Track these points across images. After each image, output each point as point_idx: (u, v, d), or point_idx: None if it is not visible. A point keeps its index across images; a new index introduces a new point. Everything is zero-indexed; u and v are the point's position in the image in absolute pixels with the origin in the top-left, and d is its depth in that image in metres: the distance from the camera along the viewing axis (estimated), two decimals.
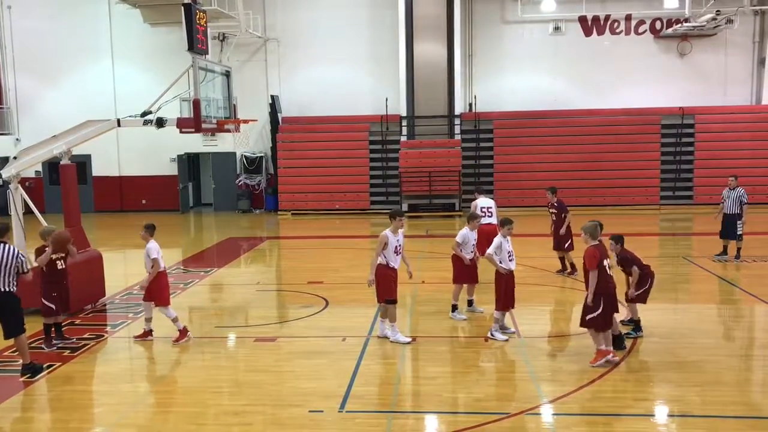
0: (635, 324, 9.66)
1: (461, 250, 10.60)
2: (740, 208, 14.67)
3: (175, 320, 10.00)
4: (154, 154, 26.60)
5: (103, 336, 10.54)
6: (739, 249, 14.85)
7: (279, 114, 26.21)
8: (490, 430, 6.95)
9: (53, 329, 10.01)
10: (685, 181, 24.77)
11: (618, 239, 9.49)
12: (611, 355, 8.59)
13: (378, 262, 9.62)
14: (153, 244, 10.01)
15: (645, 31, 25.74)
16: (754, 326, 11.23)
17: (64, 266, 10.05)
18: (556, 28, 25.92)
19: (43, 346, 9.81)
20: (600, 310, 8.42)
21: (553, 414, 7.38)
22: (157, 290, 9.98)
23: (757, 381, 8.55)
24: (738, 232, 14.71)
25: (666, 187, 24.72)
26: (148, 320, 10.15)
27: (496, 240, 9.70)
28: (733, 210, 14.74)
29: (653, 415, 7.40)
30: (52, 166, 23.83)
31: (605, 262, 8.53)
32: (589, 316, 8.49)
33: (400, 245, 9.70)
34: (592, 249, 8.52)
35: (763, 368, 8.95)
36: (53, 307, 9.84)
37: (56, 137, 12.04)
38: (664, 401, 7.71)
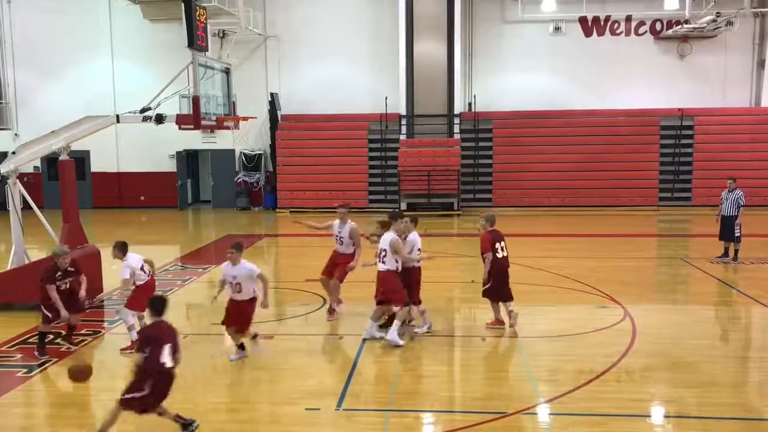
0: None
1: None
2: (737, 210, 14.70)
3: (130, 328, 9.62)
4: (152, 151, 26.58)
5: (100, 332, 10.54)
6: (736, 251, 14.87)
7: (278, 111, 26.20)
8: (487, 429, 6.96)
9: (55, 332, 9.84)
10: (683, 183, 24.78)
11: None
12: (503, 325, 10.13)
13: (389, 267, 9.58)
14: (128, 262, 9.57)
15: (645, 32, 25.75)
16: (751, 328, 11.26)
17: (67, 287, 9.50)
18: (557, 29, 25.91)
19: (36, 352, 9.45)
20: (491, 284, 10.02)
21: (550, 414, 7.39)
22: (138, 298, 9.56)
23: (753, 382, 8.57)
24: (736, 234, 14.74)
25: (664, 189, 24.73)
26: (131, 329, 9.63)
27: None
28: (730, 212, 14.77)
29: (649, 416, 7.41)
30: (50, 161, 23.85)
31: (498, 245, 9.98)
32: (483, 288, 10.11)
33: None
34: (486, 234, 10.04)
35: (759, 370, 8.96)
36: (49, 315, 9.44)
37: (55, 133, 12.02)
38: (661, 402, 7.73)
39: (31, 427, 7.33)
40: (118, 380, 8.52)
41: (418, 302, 10.04)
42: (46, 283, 9.29)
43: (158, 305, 6.90)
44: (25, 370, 8.84)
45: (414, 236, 9.97)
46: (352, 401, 7.71)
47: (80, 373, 7.33)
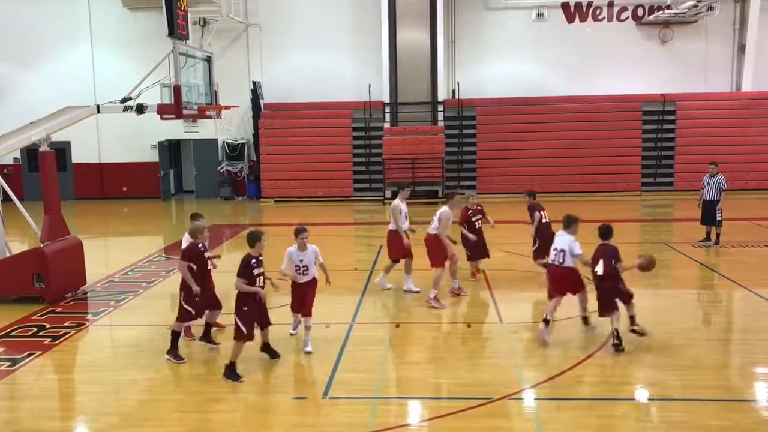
0: None
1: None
2: (719, 195, 14.84)
3: None
4: (134, 141, 26.34)
5: (84, 324, 10.46)
6: (718, 235, 15.02)
7: (261, 100, 26.04)
8: (474, 415, 6.99)
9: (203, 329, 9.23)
10: (666, 168, 24.95)
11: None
12: None
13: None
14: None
15: (627, 17, 25.81)
16: (733, 311, 11.39)
17: (213, 267, 9.06)
18: (539, 15, 25.90)
19: (168, 356, 8.71)
20: None
21: (536, 399, 7.44)
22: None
23: (734, 365, 8.67)
24: (717, 218, 14.88)
25: (647, 174, 24.90)
26: None
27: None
28: (712, 197, 14.90)
29: (634, 399, 7.49)
30: (30, 153, 23.56)
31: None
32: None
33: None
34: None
35: (741, 352, 9.08)
36: (192, 311, 8.72)
37: (35, 123, 11.86)
38: (645, 385, 7.80)
39: (15, 420, 7.27)
40: (103, 372, 8.50)
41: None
42: (182, 259, 8.66)
43: None
44: (8, 363, 8.76)
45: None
46: (339, 390, 7.72)
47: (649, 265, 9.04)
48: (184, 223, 22.71)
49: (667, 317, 10.32)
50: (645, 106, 25.24)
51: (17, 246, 13.65)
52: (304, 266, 8.94)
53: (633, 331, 8.91)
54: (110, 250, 17.80)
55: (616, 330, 8.70)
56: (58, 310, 11.16)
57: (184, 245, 9.01)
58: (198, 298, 8.62)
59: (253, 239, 8.24)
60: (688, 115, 25.10)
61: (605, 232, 9.11)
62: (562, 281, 9.29)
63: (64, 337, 9.75)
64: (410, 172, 24.05)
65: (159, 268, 14.27)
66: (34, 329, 10.15)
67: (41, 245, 11.45)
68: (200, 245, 8.83)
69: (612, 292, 8.74)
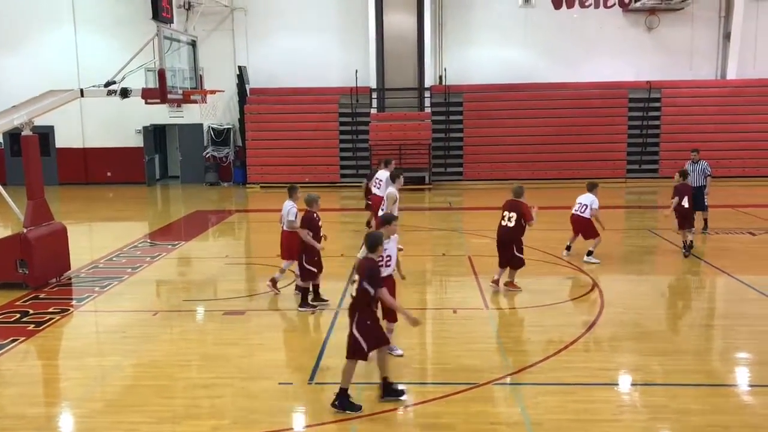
0: None
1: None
2: (705, 180, 14.93)
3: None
4: (119, 126, 26.08)
5: (68, 310, 10.40)
6: (705, 220, 15.13)
7: (247, 85, 25.84)
8: (459, 401, 7.03)
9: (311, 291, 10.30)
10: (651, 155, 25.07)
11: None
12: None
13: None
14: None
15: (614, 4, 25.79)
16: (715, 297, 11.51)
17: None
18: (526, 0, 25.84)
19: (301, 309, 10.06)
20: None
21: (520, 384, 7.49)
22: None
23: (716, 350, 8.78)
24: (705, 204, 14.97)
25: (632, 161, 25.00)
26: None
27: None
28: (697, 183, 14.98)
29: (617, 384, 7.56)
30: (13, 137, 23.30)
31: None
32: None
33: None
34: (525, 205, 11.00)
35: (723, 338, 9.18)
36: (315, 270, 10.01)
37: (17, 107, 11.71)
38: (628, 370, 7.87)
39: None
40: (87, 358, 8.47)
41: None
42: (302, 227, 9.86)
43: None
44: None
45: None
46: (325, 375, 7.74)
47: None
48: (170, 209, 22.73)
49: (651, 303, 10.42)
50: (631, 93, 25.29)
51: (0, 231, 13.53)
52: (387, 256, 7.80)
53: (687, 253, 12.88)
54: (95, 236, 17.70)
55: (690, 242, 13.07)
56: (41, 295, 11.09)
57: (293, 217, 10.20)
58: (317, 258, 9.92)
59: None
60: (674, 102, 25.19)
61: (684, 173, 13.44)
62: (581, 227, 12.79)
63: (48, 323, 9.69)
64: (397, 158, 23.96)
65: (144, 254, 14.20)
66: (18, 315, 10.08)
67: (24, 231, 11.35)
68: (315, 214, 9.89)
69: (688, 217, 12.80)
